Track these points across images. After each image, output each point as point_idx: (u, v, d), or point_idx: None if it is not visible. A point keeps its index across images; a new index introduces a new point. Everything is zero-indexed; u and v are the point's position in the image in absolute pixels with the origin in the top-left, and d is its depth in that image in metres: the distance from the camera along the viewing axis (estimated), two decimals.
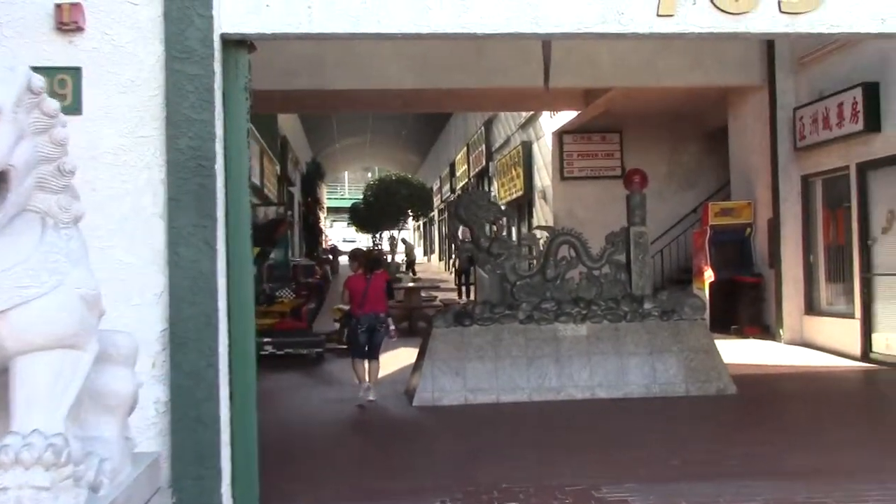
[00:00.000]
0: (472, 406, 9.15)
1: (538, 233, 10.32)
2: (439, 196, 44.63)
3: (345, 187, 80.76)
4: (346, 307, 14.93)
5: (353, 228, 51.45)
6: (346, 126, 47.94)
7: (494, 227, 9.96)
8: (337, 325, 14.61)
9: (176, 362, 4.89)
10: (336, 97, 16.14)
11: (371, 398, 9.58)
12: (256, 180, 19.99)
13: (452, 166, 37.77)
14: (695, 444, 6.96)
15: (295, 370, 12.61)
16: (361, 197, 43.79)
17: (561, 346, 9.50)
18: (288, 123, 30.77)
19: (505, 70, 14.03)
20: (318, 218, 47.26)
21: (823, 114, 12.80)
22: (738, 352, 13.27)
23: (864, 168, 12.31)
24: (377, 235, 41.54)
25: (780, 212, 14.11)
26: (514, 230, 23.73)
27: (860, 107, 11.88)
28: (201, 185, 4.94)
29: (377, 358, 9.97)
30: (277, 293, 14.36)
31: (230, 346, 5.12)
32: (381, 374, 11.26)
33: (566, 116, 18.65)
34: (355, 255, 11.02)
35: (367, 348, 9.79)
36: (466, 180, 33.11)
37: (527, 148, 22.12)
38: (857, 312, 12.42)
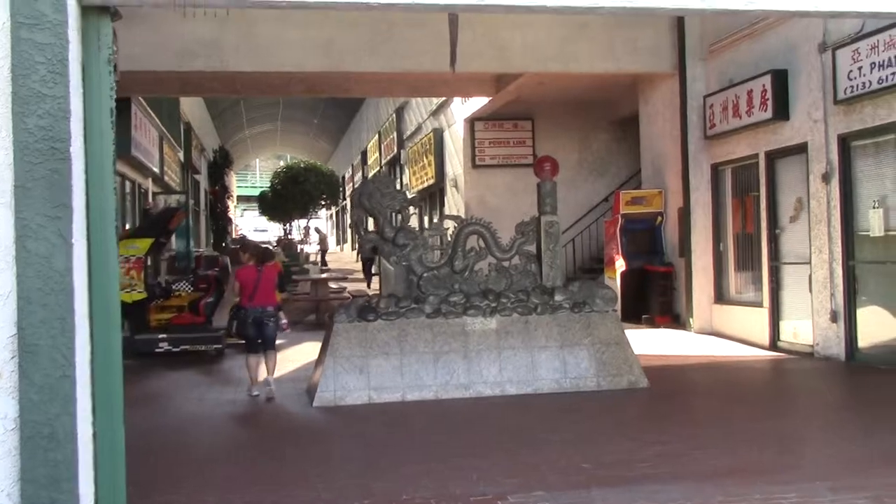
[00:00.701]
0: (376, 406, 8.69)
1: (446, 222, 9.87)
2: (352, 184, 43.91)
3: (256, 175, 79.13)
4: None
5: (265, 217, 50.28)
6: (256, 113, 46.80)
7: (400, 216, 9.49)
8: None
9: (26, 373, 4.27)
10: (236, 80, 15.41)
11: (269, 396, 9.19)
12: (156, 167, 19.08)
13: (364, 154, 37.15)
14: (606, 443, 6.65)
15: (192, 368, 11.93)
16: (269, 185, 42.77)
17: (469, 340, 9.12)
18: (193, 110, 29.67)
19: (413, 54, 13.59)
20: (227, 207, 46.01)
21: (733, 101, 12.73)
22: (649, 342, 13.15)
23: (773, 156, 12.29)
24: (288, 225, 40.59)
25: (690, 200, 14.04)
26: (425, 220, 23.34)
27: (769, 94, 11.83)
28: (54, 170, 4.32)
29: (273, 349, 9.65)
30: (174, 286, 13.60)
31: (92, 353, 4.53)
32: (284, 370, 10.81)
33: (478, 103, 18.30)
34: (246, 246, 10.54)
35: (259, 341, 9.52)
36: (378, 168, 32.55)
37: (438, 135, 21.71)
38: (766, 301, 12.42)
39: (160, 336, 12.57)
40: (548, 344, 9.22)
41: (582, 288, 9.56)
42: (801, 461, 5.94)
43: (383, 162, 30.91)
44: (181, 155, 25.68)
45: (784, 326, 12.18)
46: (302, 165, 39.79)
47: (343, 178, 48.86)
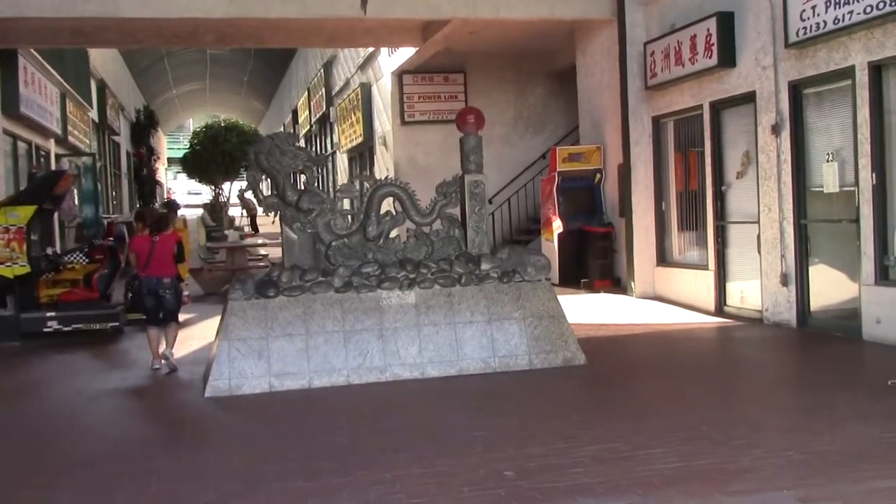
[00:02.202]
0: (277, 395, 7.60)
1: (358, 183, 8.75)
2: None
3: (189, 137, 76.55)
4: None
5: (195, 180, 48.22)
6: (182, 71, 44.72)
7: (303, 178, 8.33)
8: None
9: None
10: (135, 29, 13.96)
11: (172, 368, 8.80)
12: (56, 128, 17.50)
13: (295, 113, 35.60)
14: (535, 443, 5.65)
15: (83, 350, 10.69)
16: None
17: (385, 317, 8.05)
18: (107, 66, 27.80)
19: None
20: (155, 169, 43.96)
21: (675, 48, 11.75)
22: (587, 309, 12.26)
23: (718, 107, 11.37)
24: (218, 188, 38.81)
25: (630, 156, 13.10)
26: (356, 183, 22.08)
27: (714, 39, 10.87)
28: None
29: (175, 321, 9.16)
30: (66, 258, 12.25)
31: None
32: (187, 349, 9.76)
33: (406, 55, 17.07)
34: (141, 214, 9.91)
35: (160, 315, 8.95)
36: (308, 127, 31.10)
37: (366, 90, 20.44)
38: (711, 263, 11.58)
39: (48, 314, 11.27)
40: (473, 319, 8.21)
41: (511, 255, 8.53)
42: (762, 462, 5.01)
43: (313, 120, 29.47)
44: (93, 115, 23.97)
45: (731, 290, 11.36)
46: (222, 124, 37.93)
47: None
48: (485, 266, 8.37)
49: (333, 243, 8.25)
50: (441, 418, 6.62)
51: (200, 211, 33.07)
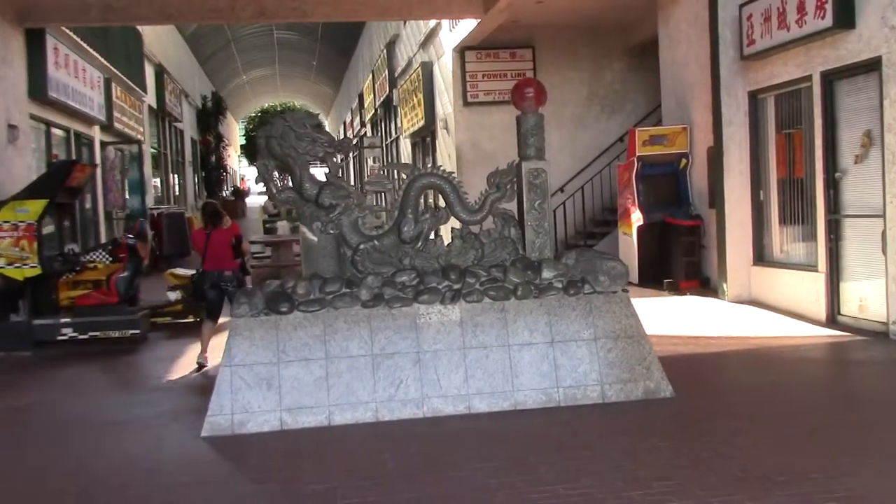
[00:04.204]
0: (290, 434, 6.19)
1: (394, 174, 7.27)
2: (351, 130, 41.14)
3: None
4: (179, 271, 11.94)
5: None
6: (250, 56, 43.93)
7: (326, 167, 6.86)
8: (171, 296, 11.55)
9: None
10: (166, 3, 12.73)
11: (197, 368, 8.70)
12: (98, 114, 16.48)
13: (361, 97, 34.30)
14: None
15: (96, 363, 9.53)
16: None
17: (423, 337, 6.56)
18: (167, 51, 26.97)
19: None
20: (225, 157, 43.27)
21: (779, 9, 9.91)
22: (672, 315, 10.58)
23: (832, 78, 9.51)
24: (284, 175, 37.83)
25: (722, 138, 11.30)
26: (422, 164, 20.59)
27: None
28: None
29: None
30: (88, 256, 11.10)
31: None
32: (180, 375, 8.43)
33: (468, 28, 15.48)
34: (203, 207, 9.76)
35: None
36: (373, 111, 29.77)
37: (427, 70, 18.92)
38: (821, 264, 9.76)
39: (63, 321, 10.13)
40: (532, 340, 6.65)
41: (580, 260, 6.93)
42: None
43: (377, 104, 28.10)
44: (150, 101, 23.04)
45: (846, 296, 9.53)
46: (277, 108, 36.87)
47: (344, 123, 46.10)
48: (547, 274, 6.80)
49: (361, 246, 6.79)
50: (487, 473, 5.09)
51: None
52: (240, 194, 42.55)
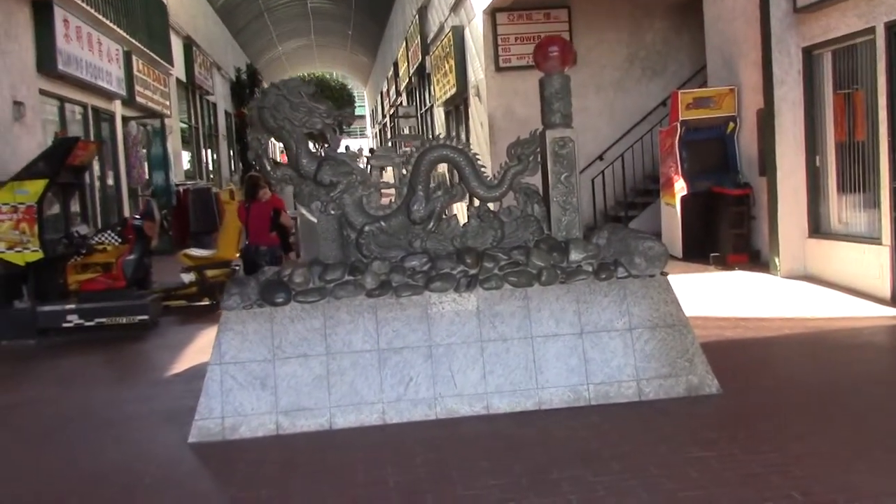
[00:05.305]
0: (286, 439, 5.55)
1: (404, 148, 6.54)
2: (388, 100, 40.34)
3: None
4: (194, 252, 11.42)
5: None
6: (284, 27, 43.31)
7: (324, 141, 6.16)
8: (185, 278, 11.00)
9: None
10: None
11: None
12: (118, 88, 15.94)
13: (396, 66, 33.46)
14: None
15: (101, 352, 9.02)
16: None
17: (435, 329, 5.85)
18: (196, 23, 26.44)
19: None
20: None
21: None
22: (719, 293, 9.76)
23: None
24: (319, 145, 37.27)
25: (773, 99, 10.34)
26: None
27: None
28: None
29: None
30: (97, 238, 10.55)
31: None
32: (188, 365, 7.84)
33: None
34: (247, 180, 9.83)
35: None
36: (408, 79, 28.96)
37: (458, 35, 18.05)
38: (886, 236, 8.84)
39: (68, 307, 9.59)
40: (559, 331, 5.90)
41: (612, 240, 6.14)
42: None
43: (411, 73, 27.27)
44: (175, 73, 22.49)
45: None
46: (306, 77, 36.21)
47: (381, 93, 45.31)
48: (575, 256, 6.03)
49: (366, 228, 6.08)
50: (506, 488, 4.38)
51: None
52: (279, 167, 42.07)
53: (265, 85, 46.95)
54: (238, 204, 10.34)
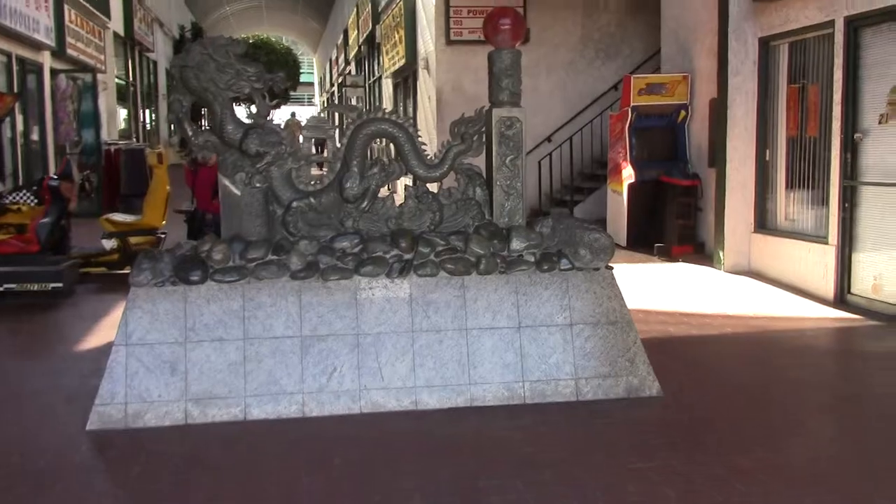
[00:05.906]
0: (196, 430, 5.10)
1: (336, 117, 6.08)
2: (336, 68, 39.52)
3: None
4: (117, 217, 10.85)
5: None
6: None
7: (252, 106, 5.66)
8: (106, 244, 10.40)
9: None
10: None
11: None
12: (45, 38, 15.07)
13: (346, 33, 32.70)
14: None
15: (9, 320, 8.38)
16: None
17: (364, 317, 5.44)
18: None
19: None
20: None
21: None
22: (662, 285, 9.51)
23: (858, 24, 8.30)
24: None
25: (727, 89, 10.10)
26: (400, 114, 19.22)
27: None
28: None
29: None
30: (11, 196, 9.88)
31: None
32: (101, 341, 7.30)
33: None
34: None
35: None
36: (357, 48, 28.27)
37: (409, 4, 17.51)
38: (832, 235, 8.67)
39: None
40: (496, 324, 5.54)
41: (557, 229, 5.79)
42: None
43: (361, 41, 26.61)
44: (112, 27, 21.52)
45: (859, 273, 8.45)
46: (250, 41, 35.25)
47: (330, 60, 44.41)
48: (517, 245, 5.66)
49: (294, 204, 5.62)
50: (427, 492, 4.03)
51: None
52: (201, 132, 41.03)
53: None
54: (187, 169, 9.94)
